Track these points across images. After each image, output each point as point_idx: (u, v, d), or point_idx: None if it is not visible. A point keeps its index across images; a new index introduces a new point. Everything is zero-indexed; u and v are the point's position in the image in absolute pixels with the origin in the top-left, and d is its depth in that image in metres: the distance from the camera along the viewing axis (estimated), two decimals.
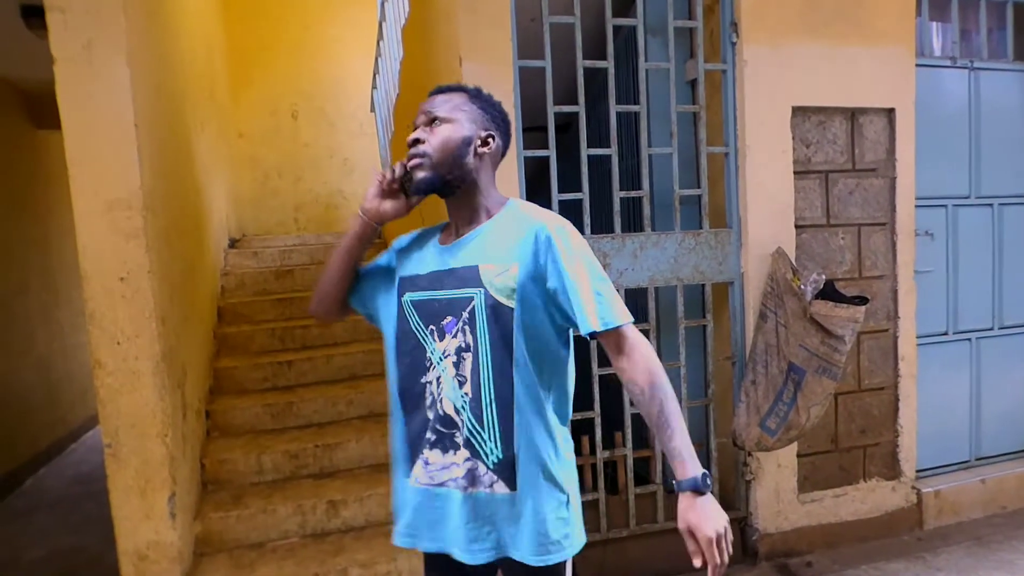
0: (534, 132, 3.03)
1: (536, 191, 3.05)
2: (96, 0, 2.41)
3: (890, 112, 3.35)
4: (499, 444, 1.46)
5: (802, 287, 2.90)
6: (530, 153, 2.93)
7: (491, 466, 1.46)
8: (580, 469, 3.11)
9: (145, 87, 2.73)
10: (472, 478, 1.47)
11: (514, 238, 1.47)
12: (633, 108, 3.06)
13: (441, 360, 1.49)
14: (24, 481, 5.14)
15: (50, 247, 6.09)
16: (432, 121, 1.52)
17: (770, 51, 3.13)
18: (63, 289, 6.25)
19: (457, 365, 1.47)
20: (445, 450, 1.49)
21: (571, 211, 2.97)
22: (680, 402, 3.06)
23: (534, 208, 1.55)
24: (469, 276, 1.48)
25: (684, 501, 1.35)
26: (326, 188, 7.49)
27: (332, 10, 7.44)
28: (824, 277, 2.90)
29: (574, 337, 1.57)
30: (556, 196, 2.96)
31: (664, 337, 3.21)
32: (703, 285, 3.20)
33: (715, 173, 3.23)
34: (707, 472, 1.36)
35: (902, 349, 3.44)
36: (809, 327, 2.87)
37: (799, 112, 3.22)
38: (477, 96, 1.58)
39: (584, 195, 2.97)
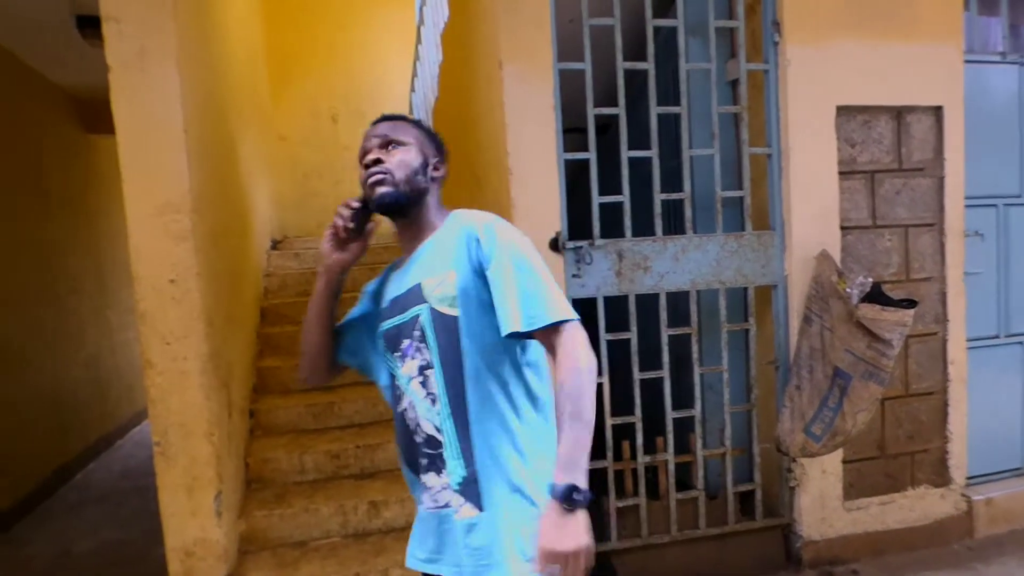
0: (571, 134, 3.03)
1: (574, 194, 3.05)
2: (148, 9, 2.48)
3: (937, 110, 3.27)
4: (461, 461, 1.43)
5: (848, 290, 2.85)
6: (570, 156, 2.92)
7: (455, 487, 1.44)
8: (620, 474, 3.10)
9: (193, 93, 2.79)
10: (462, 498, 1.44)
11: (449, 246, 1.48)
12: (674, 109, 3.04)
13: (408, 384, 1.50)
14: (75, 475, 5.28)
15: (100, 248, 6.28)
16: (387, 144, 1.54)
17: (813, 50, 3.08)
18: (112, 289, 6.43)
19: (424, 384, 1.47)
20: (438, 472, 1.47)
21: (612, 214, 2.97)
22: (722, 407, 3.09)
23: (470, 212, 1.53)
24: (415, 294, 1.49)
25: (545, 509, 1.29)
26: None
27: (371, 14, 7.55)
28: (871, 280, 2.84)
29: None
30: (596, 199, 2.95)
31: (706, 341, 3.17)
32: (745, 288, 3.16)
33: (757, 174, 3.19)
34: (578, 488, 1.25)
35: (951, 353, 3.35)
36: (855, 331, 2.82)
37: (843, 111, 3.16)
38: (419, 125, 1.63)
39: (625, 198, 2.96)
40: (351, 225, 1.55)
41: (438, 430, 1.46)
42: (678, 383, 3.15)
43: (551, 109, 2.86)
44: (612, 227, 3.01)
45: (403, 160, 1.52)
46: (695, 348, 3.10)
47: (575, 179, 3.26)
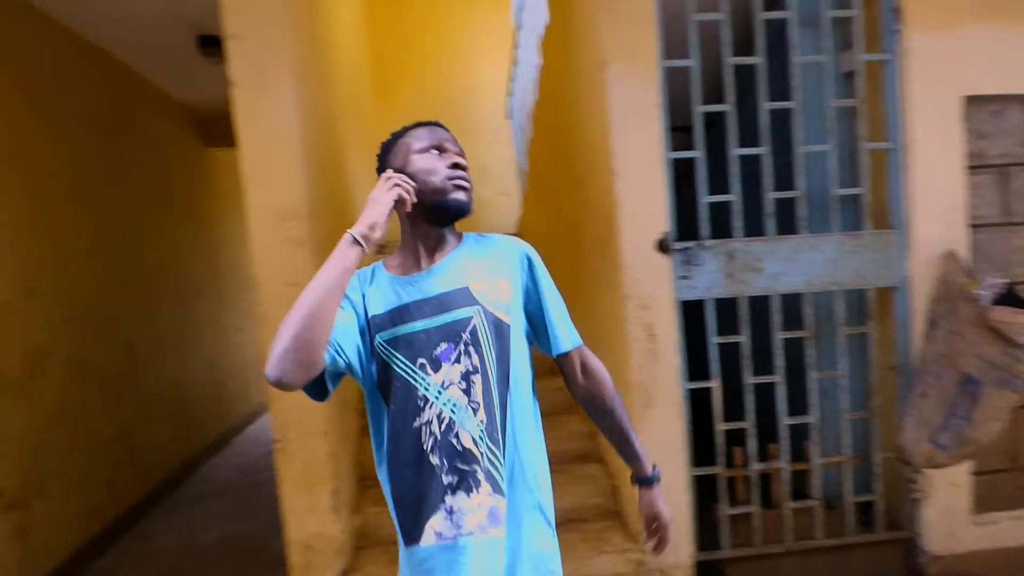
0: (674, 133, 2.97)
1: (677, 195, 2.98)
2: (268, 27, 2.60)
3: None
4: (504, 473, 1.40)
5: (979, 292, 2.67)
6: (677, 155, 2.87)
7: (506, 493, 1.39)
8: (732, 481, 3.02)
9: (307, 105, 2.90)
10: (494, 518, 1.37)
11: (495, 258, 1.49)
12: (786, 105, 2.93)
13: (441, 392, 1.38)
14: (197, 469, 5.59)
15: (217, 254, 6.64)
16: (462, 155, 1.52)
17: (937, 38, 2.91)
18: (228, 292, 6.79)
19: (468, 392, 1.38)
20: (469, 490, 1.36)
21: (720, 213, 2.90)
22: (840, 413, 2.96)
23: (496, 234, 1.59)
24: (461, 297, 1.42)
25: (648, 493, 1.60)
26: None
27: (469, 22, 7.69)
28: (1004, 281, 2.66)
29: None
30: (704, 198, 2.89)
31: (821, 345, 3.04)
32: (864, 290, 3.01)
33: (876, 171, 3.03)
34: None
35: None
36: (987, 335, 2.64)
37: (971, 102, 2.97)
38: None
39: (735, 196, 2.88)
40: (415, 200, 1.43)
41: (476, 442, 1.37)
42: (791, 388, 3.04)
43: (656, 108, 2.81)
44: (718, 228, 2.93)
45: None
46: (810, 352, 2.98)
47: (678, 179, 3.21)
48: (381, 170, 1.54)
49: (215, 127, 6.44)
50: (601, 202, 2.99)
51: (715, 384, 2.93)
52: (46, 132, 3.88)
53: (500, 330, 1.42)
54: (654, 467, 1.61)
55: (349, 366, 1.41)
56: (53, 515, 3.58)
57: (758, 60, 2.87)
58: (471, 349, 1.39)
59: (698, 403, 2.98)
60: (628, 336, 2.82)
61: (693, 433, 2.92)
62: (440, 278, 1.45)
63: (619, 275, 2.82)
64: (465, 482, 1.36)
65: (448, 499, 1.36)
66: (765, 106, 2.90)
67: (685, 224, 2.98)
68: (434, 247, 1.50)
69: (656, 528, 1.60)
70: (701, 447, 3.03)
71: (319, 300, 1.28)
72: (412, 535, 1.38)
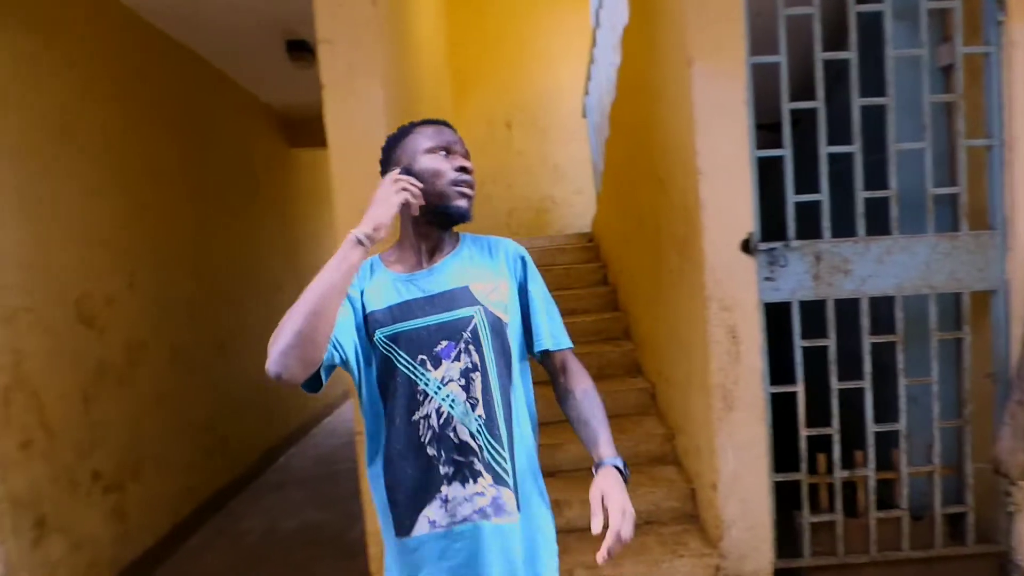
0: (758, 131, 2.90)
1: (761, 194, 2.92)
2: (358, 30, 2.66)
3: None
4: (510, 465, 1.46)
5: None
6: (763, 153, 2.80)
7: (511, 485, 1.45)
8: (814, 488, 2.95)
9: (394, 107, 2.95)
10: (497, 506, 1.44)
11: (493, 258, 1.55)
12: (879, 100, 2.83)
13: (440, 388, 1.43)
14: (278, 459, 5.79)
15: (298, 251, 6.85)
16: (467, 156, 1.55)
17: None
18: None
19: (467, 388, 1.44)
20: (465, 481, 1.43)
21: (807, 213, 2.83)
22: (930, 422, 2.85)
23: (492, 236, 1.64)
24: (462, 296, 1.47)
25: (603, 472, 1.41)
26: (537, 193, 7.79)
27: (545, 23, 7.72)
28: None
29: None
30: (791, 197, 2.81)
31: (912, 350, 2.93)
32: (959, 294, 2.89)
33: (974, 169, 2.90)
34: (625, 463, 1.46)
35: None
36: None
37: None
38: None
39: (823, 196, 2.80)
40: (423, 202, 1.45)
41: (473, 436, 1.43)
42: (879, 394, 2.94)
43: (743, 105, 2.75)
44: (805, 228, 2.86)
45: (474, 175, 1.54)
46: (900, 357, 2.88)
47: (761, 179, 3.14)
48: (385, 163, 1.56)
49: (299, 129, 6.71)
50: (683, 201, 2.95)
51: (799, 388, 2.87)
52: (142, 133, 4.06)
53: (498, 329, 1.49)
54: (624, 464, 1.45)
55: (345, 360, 1.45)
56: (147, 497, 3.76)
57: (851, 55, 2.78)
58: (471, 347, 1.45)
59: (781, 408, 2.92)
60: (710, 338, 2.78)
61: (775, 438, 2.86)
62: (442, 277, 1.50)
63: (701, 276, 2.78)
64: (461, 473, 1.43)
65: (444, 489, 1.43)
66: (857, 102, 2.81)
67: (768, 224, 2.91)
68: (435, 247, 1.55)
69: (601, 513, 1.35)
70: (783, 453, 2.96)
71: (323, 299, 1.31)
72: (405, 526, 1.45)
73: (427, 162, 1.48)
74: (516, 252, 1.59)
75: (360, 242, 1.34)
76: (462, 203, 1.49)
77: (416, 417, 1.44)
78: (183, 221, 4.51)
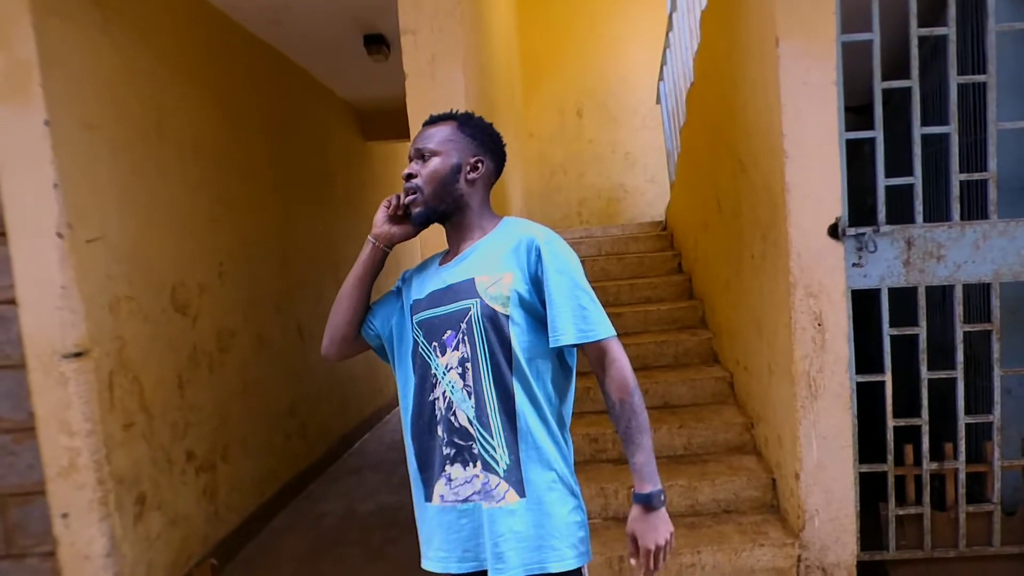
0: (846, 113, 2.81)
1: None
2: (441, 20, 2.67)
3: None
4: (507, 451, 1.51)
5: None
6: (852, 135, 2.71)
7: (502, 474, 1.51)
8: (901, 479, 2.88)
9: (474, 96, 2.96)
10: (486, 492, 1.51)
11: (506, 250, 1.57)
12: (978, 78, 2.70)
13: (445, 374, 1.54)
14: (354, 444, 5.96)
15: None
16: (422, 156, 1.62)
17: None
18: (381, 277, 7.05)
19: (463, 376, 1.53)
20: (464, 464, 1.53)
21: (899, 197, 2.74)
22: None
23: (527, 223, 1.65)
24: (465, 289, 1.55)
25: (635, 511, 1.50)
26: (608, 182, 7.67)
27: (617, 10, 7.55)
28: None
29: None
30: (882, 181, 2.72)
31: (1010, 339, 2.81)
32: None
33: None
34: (662, 490, 1.50)
35: None
36: None
37: None
38: (467, 123, 1.67)
39: (916, 179, 2.70)
40: (400, 212, 1.67)
41: (470, 422, 1.52)
42: (972, 385, 2.84)
43: (832, 85, 2.66)
44: (895, 213, 2.76)
45: (433, 172, 1.60)
46: (995, 347, 2.76)
47: (848, 161, 3.04)
48: None
49: (373, 122, 6.85)
50: (768, 185, 2.88)
51: (887, 378, 2.79)
52: (232, 130, 4.19)
53: (496, 322, 1.52)
54: (658, 492, 1.49)
55: (377, 336, 1.73)
56: (235, 478, 3.91)
57: (949, 30, 2.65)
58: (466, 338, 1.53)
59: (867, 397, 2.85)
60: (795, 325, 2.73)
61: (861, 428, 2.79)
62: (457, 269, 1.60)
63: (787, 261, 2.72)
64: (460, 456, 1.53)
65: (447, 468, 1.54)
66: (955, 79, 2.68)
67: (857, 209, 2.82)
68: (460, 239, 1.66)
69: (635, 552, 1.50)
70: (869, 443, 2.89)
71: (342, 290, 1.70)
72: (427, 494, 1.59)
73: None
74: (531, 243, 1.55)
75: (370, 240, 1.69)
76: (412, 211, 1.63)
77: (431, 398, 1.57)
78: (269, 214, 4.66)
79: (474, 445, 1.52)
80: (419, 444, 1.60)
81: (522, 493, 1.50)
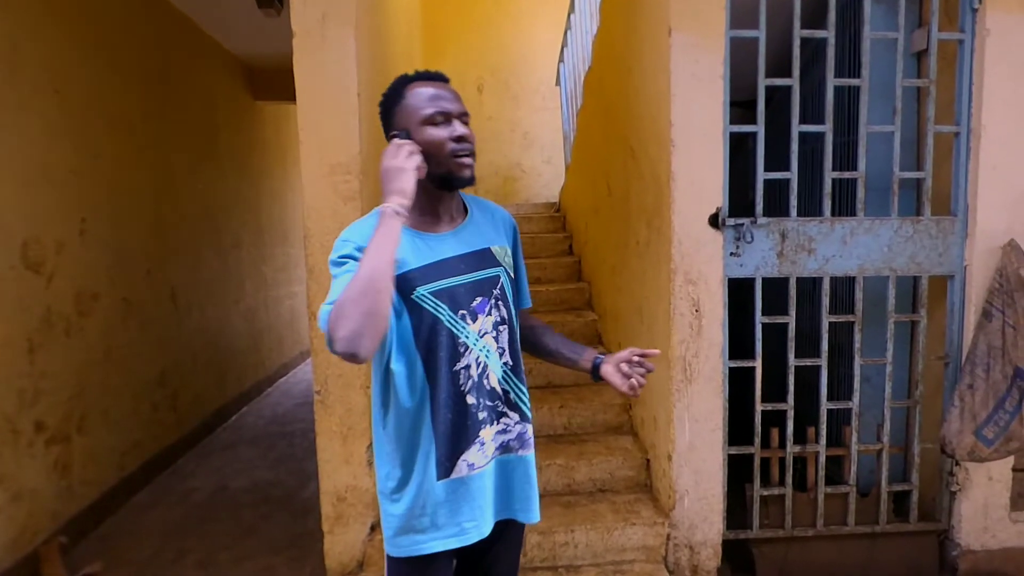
0: (732, 107, 2.89)
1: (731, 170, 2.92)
2: None
3: None
4: (527, 405, 1.67)
5: None
6: (736, 129, 2.80)
7: (531, 420, 1.68)
8: (766, 461, 3.00)
9: (366, 60, 2.87)
10: (522, 440, 1.64)
11: (496, 224, 1.70)
12: (853, 81, 2.84)
13: (478, 340, 1.55)
14: (230, 417, 5.71)
15: (260, 208, 6.69)
16: (463, 116, 1.57)
17: (1020, 19, 2.79)
18: (268, 246, 6.85)
19: (497, 339, 1.59)
20: (496, 420, 1.59)
21: (776, 191, 2.84)
22: (882, 401, 2.92)
23: (486, 200, 1.78)
24: (488, 257, 1.61)
25: (605, 367, 1.67)
26: (505, 161, 7.67)
27: None
28: None
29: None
30: (761, 175, 2.82)
31: (869, 331, 2.98)
32: (917, 277, 2.95)
33: (940, 155, 2.94)
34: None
35: None
36: None
37: None
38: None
39: (792, 174, 2.81)
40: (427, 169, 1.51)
41: (499, 381, 1.59)
42: (835, 373, 2.99)
43: (720, 79, 2.74)
44: (772, 206, 2.87)
45: (473, 137, 1.57)
46: (857, 337, 2.92)
47: (731, 154, 3.14)
48: (386, 123, 1.60)
49: (264, 81, 6.49)
50: (655, 173, 2.94)
51: (757, 364, 2.90)
52: (98, 74, 3.88)
53: (510, 287, 1.65)
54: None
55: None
56: (92, 450, 3.68)
57: (828, 34, 2.77)
58: (500, 303, 1.59)
59: (739, 382, 2.95)
60: (673, 310, 2.80)
61: (731, 412, 2.90)
62: (468, 238, 1.61)
63: (668, 248, 2.78)
64: (491, 415, 1.57)
65: (482, 433, 1.55)
66: (832, 82, 2.81)
67: (735, 200, 2.92)
68: (452, 207, 1.63)
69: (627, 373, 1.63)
70: (737, 426, 3.01)
71: (382, 275, 1.33)
72: (445, 468, 1.53)
73: (426, 134, 1.52)
74: (507, 220, 1.74)
75: (398, 213, 1.40)
76: (465, 172, 1.54)
77: (457, 368, 1.53)
78: (142, 170, 4.37)
79: (501, 403, 1.59)
80: (440, 420, 1.51)
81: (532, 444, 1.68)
